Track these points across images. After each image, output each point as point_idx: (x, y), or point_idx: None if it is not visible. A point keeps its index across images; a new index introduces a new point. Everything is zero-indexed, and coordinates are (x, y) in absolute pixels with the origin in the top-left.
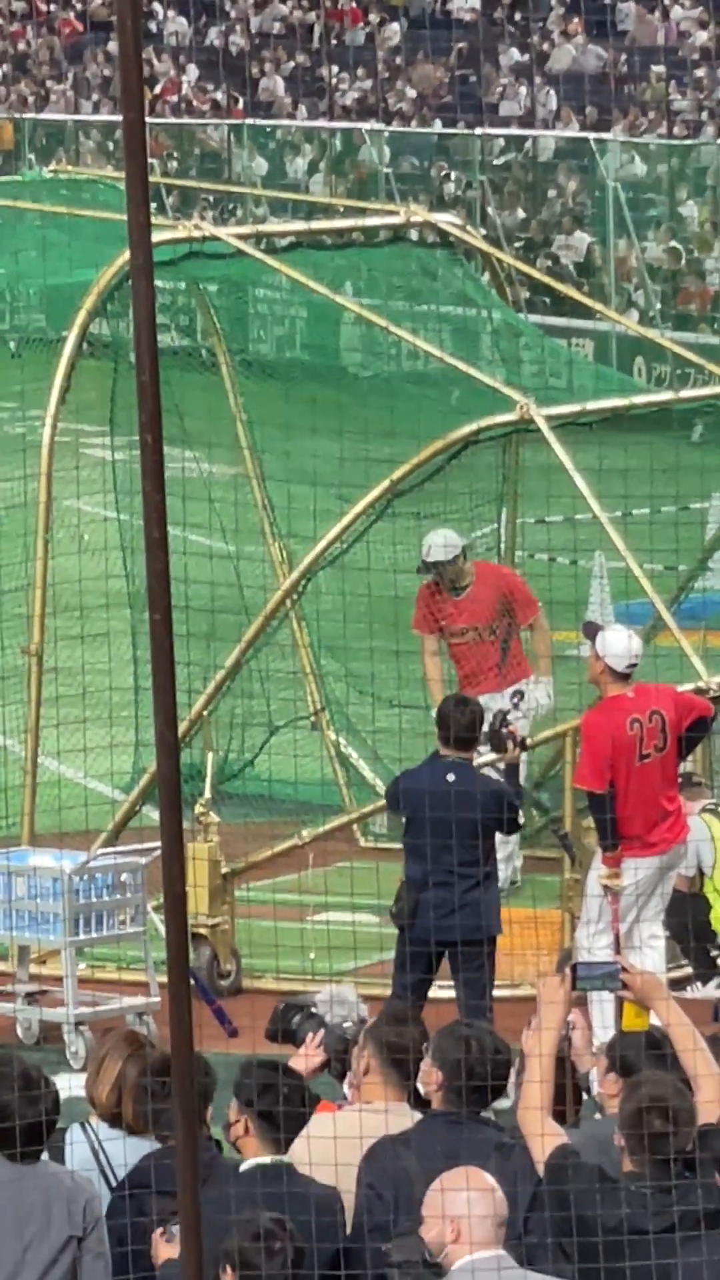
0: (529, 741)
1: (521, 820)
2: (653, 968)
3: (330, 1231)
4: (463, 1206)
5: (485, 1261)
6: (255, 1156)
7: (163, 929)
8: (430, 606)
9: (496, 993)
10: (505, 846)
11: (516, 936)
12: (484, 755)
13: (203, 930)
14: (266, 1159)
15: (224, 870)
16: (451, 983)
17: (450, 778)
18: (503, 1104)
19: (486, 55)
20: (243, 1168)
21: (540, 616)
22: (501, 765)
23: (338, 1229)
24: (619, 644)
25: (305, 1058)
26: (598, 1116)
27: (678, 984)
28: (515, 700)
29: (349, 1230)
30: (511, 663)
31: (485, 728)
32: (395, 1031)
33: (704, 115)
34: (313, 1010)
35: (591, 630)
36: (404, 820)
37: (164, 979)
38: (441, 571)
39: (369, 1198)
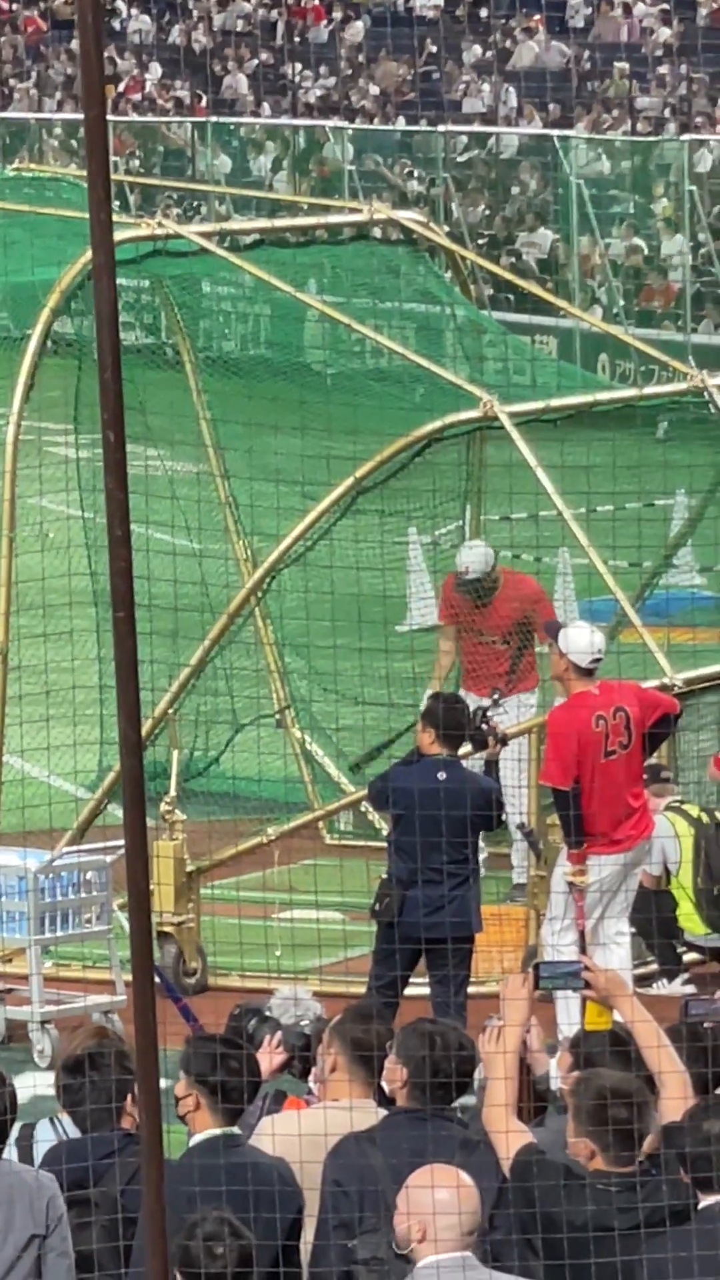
0: (508, 735)
1: (506, 817)
2: (618, 964)
3: (288, 1199)
4: (429, 1205)
5: (450, 1262)
6: (205, 1130)
7: (128, 927)
8: (450, 599)
9: None
10: None
11: (482, 933)
12: (464, 750)
13: (168, 928)
14: (217, 1131)
15: (189, 868)
16: (425, 980)
17: (441, 776)
18: (467, 1100)
19: (449, 52)
20: (193, 1141)
21: None
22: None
23: (294, 1196)
24: (581, 640)
25: (268, 1056)
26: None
27: (644, 980)
28: (495, 697)
29: (312, 1222)
30: (521, 674)
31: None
32: (361, 1028)
33: (667, 112)
34: (267, 1014)
35: (554, 628)
36: (393, 818)
37: (129, 977)
38: (476, 584)
39: (334, 1194)
